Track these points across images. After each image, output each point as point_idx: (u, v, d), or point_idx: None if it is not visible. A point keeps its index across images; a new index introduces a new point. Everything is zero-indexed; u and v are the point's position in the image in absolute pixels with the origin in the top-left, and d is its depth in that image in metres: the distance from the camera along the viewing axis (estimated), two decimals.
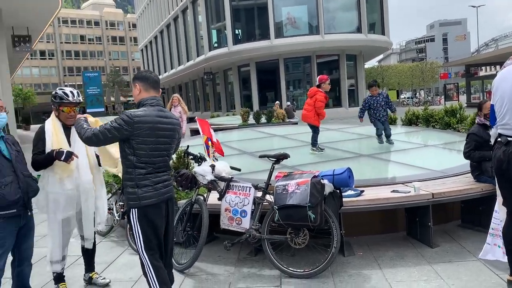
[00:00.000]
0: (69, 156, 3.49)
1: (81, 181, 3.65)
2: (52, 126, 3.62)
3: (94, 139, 2.97)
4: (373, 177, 5.59)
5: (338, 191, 4.05)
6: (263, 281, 3.87)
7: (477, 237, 4.63)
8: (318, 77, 7.34)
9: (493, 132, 3.52)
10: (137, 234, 3.00)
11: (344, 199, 4.19)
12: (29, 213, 3.39)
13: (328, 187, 3.83)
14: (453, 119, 8.56)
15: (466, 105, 32.23)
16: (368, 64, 51.71)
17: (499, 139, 3.31)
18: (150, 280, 3.02)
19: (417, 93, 59.70)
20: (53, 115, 3.68)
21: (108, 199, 5.50)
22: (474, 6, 58.40)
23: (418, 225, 4.62)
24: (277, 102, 23.35)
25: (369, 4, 31.18)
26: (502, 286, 3.42)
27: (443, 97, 44.64)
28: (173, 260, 4.25)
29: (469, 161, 4.85)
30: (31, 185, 3.34)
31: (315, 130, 7.22)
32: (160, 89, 3.23)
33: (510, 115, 3.18)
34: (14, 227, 3.25)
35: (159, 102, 3.09)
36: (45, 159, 3.52)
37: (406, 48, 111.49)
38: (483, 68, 42.15)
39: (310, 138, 7.27)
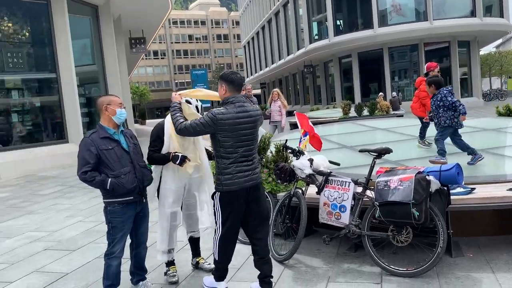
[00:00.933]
0: (183, 160, 3.79)
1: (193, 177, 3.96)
2: (171, 129, 3.82)
3: (185, 132, 3.41)
4: (486, 173, 5.14)
5: (445, 188, 3.82)
6: (363, 277, 3.81)
7: None
8: (426, 64, 6.95)
9: None
10: (218, 214, 3.50)
11: (452, 197, 3.93)
12: (144, 200, 3.74)
13: (434, 184, 3.62)
14: None
15: None
16: (483, 51, 47.20)
17: None
18: (214, 248, 3.60)
19: None
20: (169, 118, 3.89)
21: None
22: None
23: None
24: (380, 93, 22.52)
25: None
26: None
27: None
28: (273, 251, 4.40)
29: None
30: (146, 174, 3.69)
31: (423, 122, 6.89)
32: (243, 88, 3.62)
33: None
34: (132, 212, 3.62)
35: (239, 99, 3.46)
36: (162, 159, 3.85)
37: None
38: None
39: (418, 131, 6.93)
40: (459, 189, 4.18)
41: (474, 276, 3.63)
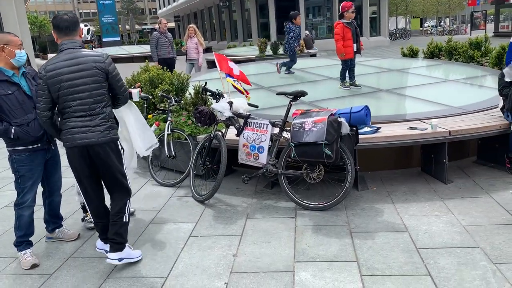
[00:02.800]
0: None
1: None
2: None
3: (39, 111, 3.12)
4: (390, 113, 5.58)
5: (354, 128, 4.10)
6: (279, 213, 4.07)
7: (491, 173, 4.70)
8: (341, 4, 6.86)
9: (506, 71, 3.45)
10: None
11: (360, 136, 4.25)
12: (53, 147, 3.54)
13: (345, 127, 3.86)
14: (477, 52, 8.29)
15: (493, 34, 30.78)
16: None
17: None
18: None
19: (442, 22, 56.97)
20: None
21: None
22: None
23: (433, 161, 4.68)
24: None
25: None
26: (511, 222, 3.52)
27: (469, 25, 42.60)
28: (194, 192, 4.50)
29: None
30: None
31: (342, 64, 7.00)
32: (79, 29, 3.18)
33: None
34: (40, 160, 3.42)
35: (69, 45, 3.07)
36: None
37: None
38: None
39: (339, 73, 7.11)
40: (366, 129, 4.51)
41: (377, 207, 4.05)
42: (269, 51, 17.31)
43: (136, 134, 3.83)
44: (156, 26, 10.31)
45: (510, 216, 3.64)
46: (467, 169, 4.89)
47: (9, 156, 3.37)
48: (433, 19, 59.04)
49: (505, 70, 3.49)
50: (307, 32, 24.61)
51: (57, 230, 3.80)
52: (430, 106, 5.61)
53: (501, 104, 4.70)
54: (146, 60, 7.08)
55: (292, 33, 8.68)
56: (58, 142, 3.62)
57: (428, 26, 53.05)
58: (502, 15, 34.82)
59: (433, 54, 9.25)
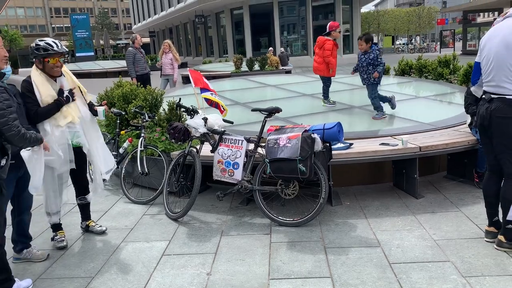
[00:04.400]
0: (72, 95, 3.66)
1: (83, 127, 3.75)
2: (40, 79, 3.58)
3: None
4: (362, 129, 5.68)
5: (328, 144, 4.15)
6: (254, 229, 4.05)
7: (461, 188, 4.82)
8: (329, 24, 6.87)
9: (473, 90, 3.57)
10: None
11: (333, 152, 4.30)
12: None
13: (318, 143, 3.90)
14: (446, 69, 8.56)
15: (461, 52, 31.86)
16: (364, 9, 50.42)
17: (483, 96, 3.37)
18: None
19: (413, 39, 58.79)
20: (35, 69, 3.60)
21: None
22: None
23: (404, 176, 4.77)
24: (270, 48, 22.95)
25: None
26: (480, 236, 3.61)
27: (439, 43, 44.07)
28: (167, 209, 4.44)
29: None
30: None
31: (326, 82, 6.95)
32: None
33: (495, 73, 3.21)
34: (13, 177, 3.33)
35: None
36: (51, 108, 3.55)
37: None
38: (481, 14, 41.36)
39: (321, 90, 7.00)
40: (339, 145, 4.57)
41: (350, 222, 4.08)
42: (244, 67, 17.46)
43: (98, 155, 3.87)
44: (130, 42, 10.25)
45: (479, 230, 3.73)
46: (437, 184, 5.00)
47: None
48: (404, 37, 60.86)
49: (473, 89, 3.61)
50: (282, 49, 24.95)
51: (25, 251, 3.67)
52: (401, 123, 5.74)
53: (469, 120, 4.84)
54: (120, 75, 7.02)
55: None
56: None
57: (400, 44, 54.70)
58: (469, 34, 36.26)
59: (404, 71, 9.50)
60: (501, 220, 3.40)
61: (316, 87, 7.99)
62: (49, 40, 3.62)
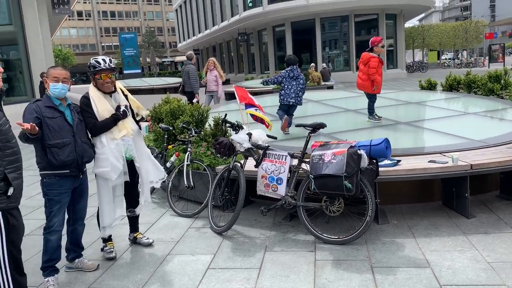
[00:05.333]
0: (129, 111, 3.87)
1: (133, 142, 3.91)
2: (96, 95, 3.79)
3: None
4: (410, 146, 5.54)
5: (374, 160, 4.08)
6: (298, 246, 4.02)
7: None
8: (371, 39, 6.81)
9: None
10: None
11: (380, 169, 4.22)
12: (82, 176, 3.64)
13: (365, 160, 3.85)
14: (496, 85, 8.24)
15: (511, 67, 30.67)
16: (408, 23, 49.60)
17: None
18: None
19: (460, 54, 57.03)
20: (91, 86, 3.84)
21: None
22: None
23: (454, 195, 4.60)
24: (312, 64, 22.95)
25: None
26: None
27: (487, 58, 42.49)
28: (212, 223, 4.50)
29: None
30: (86, 150, 3.60)
31: (371, 98, 6.86)
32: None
33: None
34: (68, 186, 3.54)
35: None
36: (109, 122, 3.73)
37: (449, 5, 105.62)
38: None
39: (367, 106, 6.90)
40: (386, 161, 4.49)
41: (398, 241, 3.97)
42: None
43: (147, 168, 4.06)
44: (187, 59, 10.56)
45: None
46: (489, 203, 4.79)
47: (41, 180, 3.52)
48: (450, 52, 59.16)
49: None
50: (324, 64, 24.90)
51: (76, 260, 3.82)
52: (450, 139, 5.56)
53: None
54: (167, 92, 7.24)
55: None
56: (88, 171, 3.72)
57: (446, 59, 53.17)
58: None
59: (452, 87, 9.23)
60: None
61: (359, 102, 7.91)
62: (100, 57, 3.83)
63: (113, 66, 3.83)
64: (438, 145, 5.35)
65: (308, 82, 17.46)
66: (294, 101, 6.41)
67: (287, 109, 6.50)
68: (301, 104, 6.62)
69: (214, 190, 4.73)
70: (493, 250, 3.67)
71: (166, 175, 4.52)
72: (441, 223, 4.33)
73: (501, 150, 4.90)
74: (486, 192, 5.12)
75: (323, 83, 18.27)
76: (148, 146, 6.03)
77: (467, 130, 5.88)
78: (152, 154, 5.86)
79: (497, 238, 3.90)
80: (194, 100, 9.93)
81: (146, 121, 4.09)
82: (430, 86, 9.66)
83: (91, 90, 3.81)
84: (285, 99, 6.40)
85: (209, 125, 5.63)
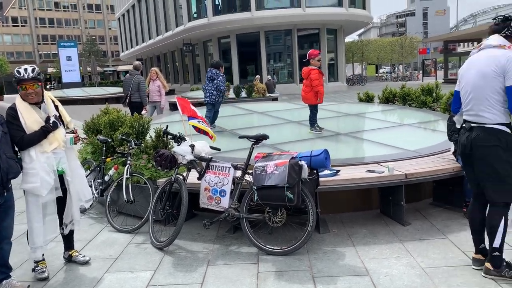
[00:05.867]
0: (59, 122, 3.66)
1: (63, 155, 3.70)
2: (23, 106, 3.57)
3: None
4: (349, 156, 5.72)
5: (315, 171, 4.15)
6: (241, 258, 3.99)
7: (447, 215, 4.84)
8: (308, 52, 6.99)
9: (456, 119, 3.64)
10: None
11: (320, 179, 4.30)
12: (6, 194, 3.38)
13: (305, 170, 3.91)
14: (429, 98, 8.73)
15: (443, 80, 32.66)
16: (348, 38, 51.61)
17: (463, 125, 3.44)
18: None
19: (396, 68, 60.11)
20: (18, 97, 3.63)
21: (86, 176, 5.51)
22: None
23: (391, 203, 4.78)
24: (257, 76, 23.22)
25: None
26: (467, 264, 3.61)
27: (421, 72, 45.10)
28: (152, 238, 4.36)
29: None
30: (12, 166, 3.34)
31: (313, 109, 7.02)
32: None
33: (474, 103, 3.30)
34: None
35: None
36: (38, 135, 3.52)
37: (386, 22, 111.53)
38: (461, 44, 42.66)
39: (308, 118, 7.07)
40: (326, 172, 4.58)
41: (338, 250, 4.05)
42: (232, 94, 17.57)
43: (78, 183, 3.88)
44: (136, 70, 10.30)
45: (466, 257, 3.73)
46: (424, 211, 5.02)
47: None
48: (388, 66, 62.22)
49: (455, 118, 3.68)
50: (269, 76, 25.30)
51: (4, 282, 3.55)
52: (386, 150, 5.79)
53: (452, 148, 4.92)
54: (107, 102, 7.01)
55: (221, 77, 7.70)
56: (14, 187, 3.48)
57: (383, 72, 55.85)
58: (450, 63, 37.26)
59: (388, 99, 9.66)
60: (487, 248, 3.41)
61: (303, 114, 8.06)
62: (23, 67, 3.59)
63: (35, 76, 3.58)
64: (375, 155, 5.55)
65: (253, 94, 17.64)
66: (208, 99, 7.64)
67: (210, 108, 7.68)
68: (218, 102, 7.74)
69: (155, 204, 4.59)
70: (427, 256, 3.83)
71: (96, 196, 4.31)
72: (379, 231, 4.48)
73: (433, 160, 5.17)
74: (421, 199, 5.37)
75: (268, 94, 18.51)
76: (85, 159, 5.81)
77: (402, 141, 6.16)
78: (90, 167, 5.67)
79: (430, 244, 4.09)
80: (143, 112, 9.72)
81: (72, 132, 3.88)
82: (368, 99, 10.07)
83: (18, 100, 3.58)
84: (204, 98, 7.68)
85: (150, 136, 5.49)
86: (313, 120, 7.03)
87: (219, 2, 31.34)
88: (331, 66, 32.59)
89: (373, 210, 5.09)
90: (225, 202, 4.22)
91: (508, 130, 3.21)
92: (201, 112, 5.72)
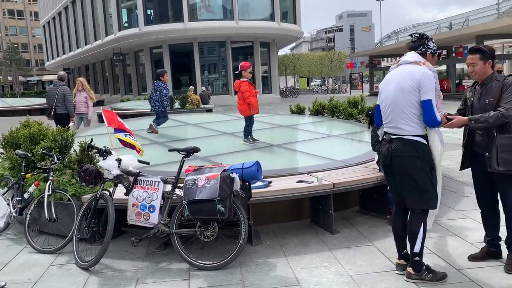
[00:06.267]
0: None
1: None
2: None
3: None
4: (281, 167, 5.80)
5: (247, 183, 4.16)
6: (171, 275, 3.88)
7: (373, 222, 5.05)
8: (240, 64, 7.13)
9: (379, 132, 3.84)
10: None
11: (253, 191, 4.31)
12: None
13: (237, 183, 3.91)
14: (355, 110, 9.14)
15: (368, 93, 34.46)
16: (281, 52, 52.93)
17: (384, 137, 3.63)
18: None
19: (326, 81, 62.52)
20: None
21: (3, 194, 5.11)
22: (378, 0, 62.24)
23: (321, 212, 4.91)
24: (191, 87, 23.03)
25: None
26: (392, 269, 3.77)
27: (349, 85, 47.28)
28: (77, 258, 4.13)
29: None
30: None
31: (248, 121, 7.11)
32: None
33: (393, 115, 3.49)
34: None
35: None
36: None
37: (316, 37, 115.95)
38: (385, 59, 45.29)
39: (243, 129, 7.13)
40: (258, 183, 4.61)
41: (270, 262, 4.07)
42: None
43: None
44: (61, 80, 9.78)
45: (390, 263, 3.90)
46: (351, 218, 5.21)
47: None
48: (318, 79, 64.58)
49: (379, 131, 3.86)
50: (203, 88, 25.18)
51: None
52: (316, 160, 5.96)
53: (376, 158, 5.16)
54: (28, 115, 6.58)
55: (165, 91, 8.26)
56: None
57: (314, 85, 57.85)
58: (375, 77, 39.52)
59: (318, 111, 9.99)
60: (409, 253, 3.59)
61: (237, 125, 8.10)
62: None
63: None
64: (306, 166, 5.69)
65: (187, 105, 17.44)
66: (152, 109, 8.34)
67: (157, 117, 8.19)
68: (161, 111, 8.19)
69: (80, 221, 4.35)
70: (354, 263, 3.97)
71: (15, 215, 4.00)
72: (309, 240, 4.57)
73: (359, 169, 5.39)
74: (348, 208, 5.57)
75: (202, 106, 18.41)
76: (2, 176, 5.39)
77: (331, 151, 6.37)
78: (8, 184, 5.27)
79: (357, 251, 4.24)
80: (71, 124, 9.25)
81: None
82: (299, 111, 10.35)
83: None
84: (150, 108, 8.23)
85: (75, 150, 5.21)
86: (247, 131, 7.11)
87: (151, 12, 30.82)
88: (265, 78, 33.16)
89: (304, 220, 5.19)
90: (154, 218, 4.10)
91: (424, 141, 3.42)
92: (131, 124, 5.53)
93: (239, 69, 7.03)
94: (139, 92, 33.23)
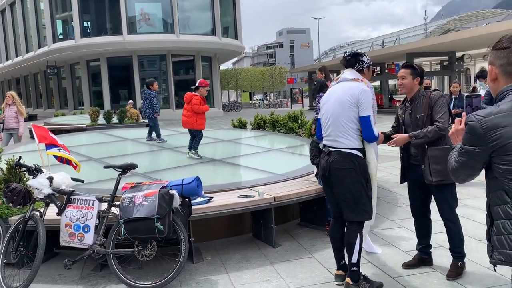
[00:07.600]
0: None
1: None
2: None
3: None
4: (223, 182, 5.78)
5: (187, 199, 4.09)
6: None
7: (313, 234, 5.15)
8: (199, 80, 7.49)
9: (321, 145, 3.94)
10: None
11: (193, 207, 4.25)
12: None
13: (177, 199, 3.83)
14: (295, 124, 9.35)
15: (309, 108, 35.34)
16: (223, 66, 53.14)
17: (323, 149, 3.73)
18: None
19: (268, 96, 63.53)
20: None
21: None
22: (315, 18, 64.61)
23: (262, 226, 4.93)
24: (130, 101, 22.49)
25: (223, 7, 31.98)
26: (331, 280, 3.85)
27: (289, 100, 48.34)
28: (3, 284, 3.84)
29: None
30: None
31: (198, 135, 7.15)
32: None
33: (332, 129, 3.61)
34: None
35: None
36: None
37: (258, 52, 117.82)
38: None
39: (192, 143, 7.14)
40: (199, 199, 4.55)
41: (211, 279, 4.01)
42: (102, 120, 16.68)
43: None
44: None
45: (330, 274, 3.97)
46: (292, 231, 5.27)
47: None
48: (260, 93, 65.47)
49: (321, 145, 3.96)
50: (142, 101, 24.59)
51: None
52: (258, 174, 6.00)
53: (315, 171, 5.29)
54: None
55: (155, 99, 9.00)
56: None
57: (256, 99, 58.58)
58: None
59: (259, 125, 10.12)
60: (347, 263, 3.69)
61: (179, 140, 8.00)
62: None
63: None
64: (247, 180, 5.71)
65: (125, 120, 16.96)
66: (143, 115, 9.16)
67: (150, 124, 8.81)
68: (151, 118, 8.89)
69: (6, 245, 4.05)
70: (295, 276, 4.00)
71: None
72: (251, 254, 4.56)
73: (299, 182, 5.49)
74: (289, 221, 5.64)
75: (141, 120, 17.95)
76: None
77: (271, 165, 6.45)
78: None
79: (298, 264, 4.28)
80: None
81: None
82: (241, 125, 10.41)
83: None
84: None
85: (1, 169, 4.88)
86: (195, 144, 7.09)
87: (88, 24, 29.86)
88: (208, 92, 33.04)
89: (246, 234, 5.18)
90: (89, 238, 3.90)
91: (361, 154, 3.56)
92: (66, 140, 5.27)
93: (197, 84, 7.16)
94: (75, 107, 31.92)
